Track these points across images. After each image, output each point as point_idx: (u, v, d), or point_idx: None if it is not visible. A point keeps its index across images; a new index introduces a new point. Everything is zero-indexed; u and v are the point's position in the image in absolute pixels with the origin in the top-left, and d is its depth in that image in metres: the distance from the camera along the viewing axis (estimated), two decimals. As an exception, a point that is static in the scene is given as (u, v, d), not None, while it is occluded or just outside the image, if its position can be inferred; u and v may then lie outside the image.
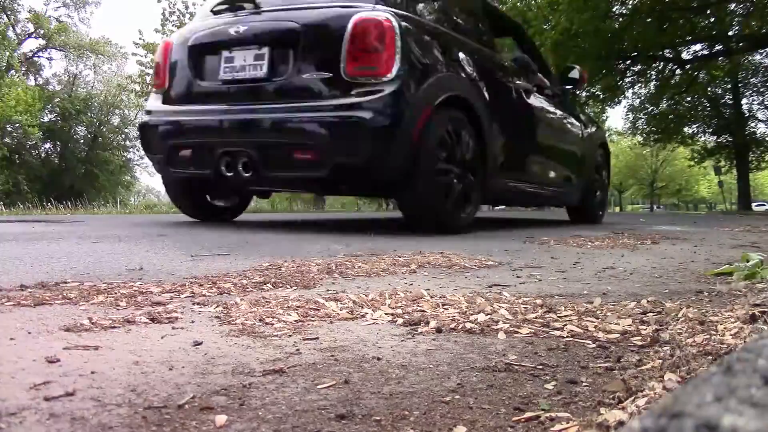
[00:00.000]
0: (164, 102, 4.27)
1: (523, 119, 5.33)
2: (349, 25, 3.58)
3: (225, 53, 3.94)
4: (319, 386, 1.08)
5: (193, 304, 1.86)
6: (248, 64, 3.82)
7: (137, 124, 6.16)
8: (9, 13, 39.53)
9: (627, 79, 25.72)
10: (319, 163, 3.66)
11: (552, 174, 5.88)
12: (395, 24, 3.61)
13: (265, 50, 3.80)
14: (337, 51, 3.60)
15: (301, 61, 3.73)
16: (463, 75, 4.25)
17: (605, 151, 7.35)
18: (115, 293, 1.99)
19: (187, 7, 24.60)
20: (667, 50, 22.86)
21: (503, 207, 11.22)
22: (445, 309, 1.78)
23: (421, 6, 4.27)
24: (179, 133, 4.10)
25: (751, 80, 28.91)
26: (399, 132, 3.62)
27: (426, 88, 3.79)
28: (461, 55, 4.32)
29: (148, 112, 4.32)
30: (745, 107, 29.34)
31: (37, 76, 42.16)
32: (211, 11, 4.20)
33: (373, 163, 3.67)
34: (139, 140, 6.01)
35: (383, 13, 3.64)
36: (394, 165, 3.74)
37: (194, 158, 4.03)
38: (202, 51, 4.11)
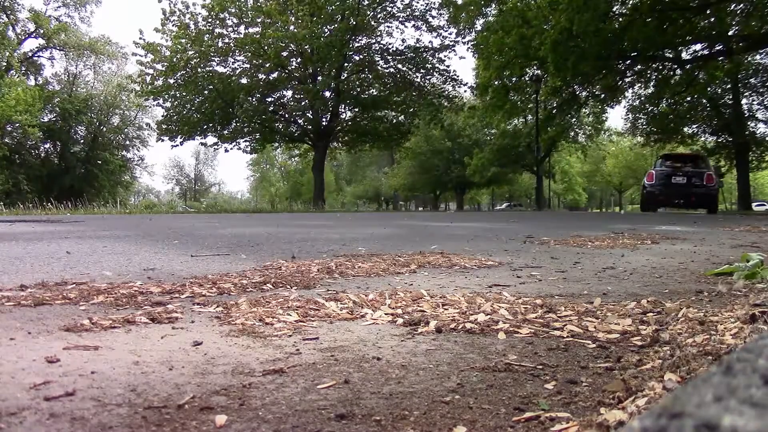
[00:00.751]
0: (647, 188, 16.33)
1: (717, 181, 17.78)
2: (705, 174, 15.75)
3: (673, 176, 15.83)
4: (319, 386, 1.08)
5: (193, 304, 1.87)
6: (681, 178, 15.81)
7: (643, 190, 16.91)
8: (9, 12, 39.57)
9: (627, 79, 25.75)
10: (698, 200, 16.02)
11: (712, 194, 16.43)
12: (714, 174, 16.63)
13: (685, 177, 15.72)
14: (702, 178, 15.69)
15: (694, 180, 15.69)
16: (716, 179, 16.93)
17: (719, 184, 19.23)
18: (115, 293, 1.99)
19: (187, 7, 24.60)
20: (667, 50, 22.86)
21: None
22: (445, 309, 1.78)
23: (706, 163, 17.85)
24: (659, 192, 15.99)
25: (751, 80, 28.88)
26: (714, 193, 16.22)
27: (717, 184, 16.71)
28: (714, 174, 17.25)
29: (646, 187, 16.38)
30: (745, 107, 29.35)
31: (37, 76, 42.22)
32: (666, 166, 16.40)
33: (711, 199, 16.07)
34: (642, 195, 17.07)
35: (712, 172, 16.41)
36: (713, 200, 16.19)
37: (663, 196, 16.07)
38: (666, 175, 15.94)
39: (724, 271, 2.65)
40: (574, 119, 29.26)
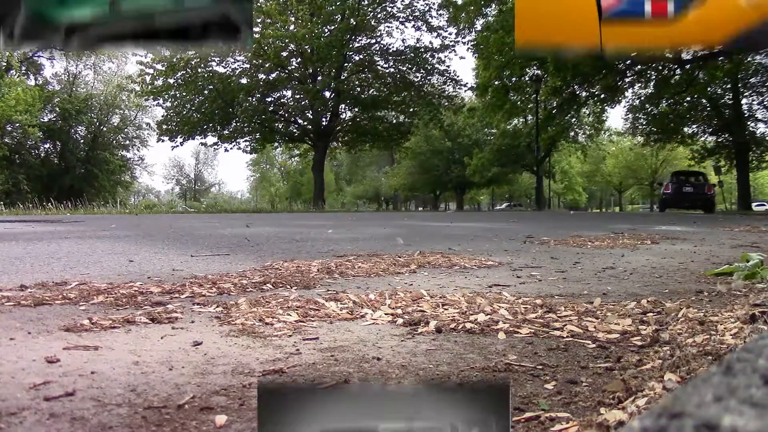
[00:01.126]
0: (665, 195, 22.49)
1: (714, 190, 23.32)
2: (705, 185, 21.81)
3: (683, 187, 21.76)
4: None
5: (193, 304, 1.87)
6: (689, 188, 21.62)
7: (662, 197, 22.72)
8: (9, 12, 39.46)
9: (627, 79, 25.72)
10: (701, 204, 21.02)
11: (711, 200, 21.45)
12: (712, 186, 22.38)
13: (693, 187, 21.82)
14: (704, 187, 21.63)
15: (695, 190, 21.47)
16: (713, 189, 22.80)
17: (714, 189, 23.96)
18: (115, 293, 1.99)
19: (187, 7, 24.51)
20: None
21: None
22: (445, 309, 1.78)
23: (706, 178, 23.90)
24: (674, 198, 21.69)
25: (751, 80, 28.83)
26: (712, 199, 21.60)
27: (714, 193, 22.46)
28: (712, 186, 23.37)
29: (664, 195, 22.59)
30: (745, 107, 29.31)
31: (37, 76, 42.18)
32: (677, 180, 22.53)
33: (710, 203, 21.14)
34: (661, 200, 23.43)
35: (710, 184, 22.68)
36: (712, 204, 21.38)
37: (676, 201, 21.67)
38: (678, 184, 21.98)
39: (724, 271, 2.65)
40: (574, 119, 29.23)
